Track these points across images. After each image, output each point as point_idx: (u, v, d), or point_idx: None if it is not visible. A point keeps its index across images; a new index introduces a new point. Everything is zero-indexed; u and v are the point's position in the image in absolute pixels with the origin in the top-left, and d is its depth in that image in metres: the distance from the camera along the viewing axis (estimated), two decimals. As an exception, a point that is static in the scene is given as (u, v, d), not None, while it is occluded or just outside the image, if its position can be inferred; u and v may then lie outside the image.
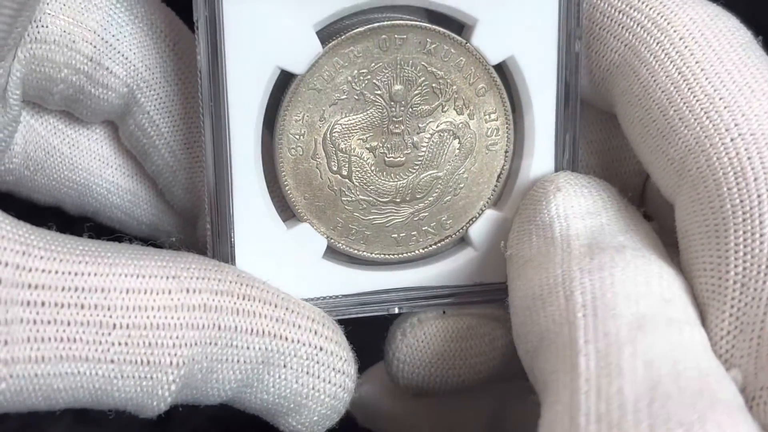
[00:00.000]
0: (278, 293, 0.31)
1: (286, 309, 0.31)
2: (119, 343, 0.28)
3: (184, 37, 0.33)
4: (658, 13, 0.30)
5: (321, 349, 0.31)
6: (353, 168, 0.32)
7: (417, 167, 0.33)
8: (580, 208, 0.30)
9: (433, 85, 0.32)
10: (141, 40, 0.32)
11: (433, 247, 0.34)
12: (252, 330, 0.30)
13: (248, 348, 0.30)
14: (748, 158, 0.28)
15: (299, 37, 0.30)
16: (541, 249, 0.29)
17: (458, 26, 0.32)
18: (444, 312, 0.35)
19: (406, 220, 0.33)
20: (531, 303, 0.28)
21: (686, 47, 0.30)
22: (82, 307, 0.28)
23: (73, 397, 0.28)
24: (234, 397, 0.31)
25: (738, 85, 0.29)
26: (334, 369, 0.31)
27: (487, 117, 0.33)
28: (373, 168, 0.32)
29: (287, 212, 0.33)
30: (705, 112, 0.29)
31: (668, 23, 0.30)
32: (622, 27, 0.31)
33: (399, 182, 0.33)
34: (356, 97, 0.32)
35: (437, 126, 0.32)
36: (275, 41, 0.30)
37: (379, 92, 0.32)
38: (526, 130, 0.33)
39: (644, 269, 0.27)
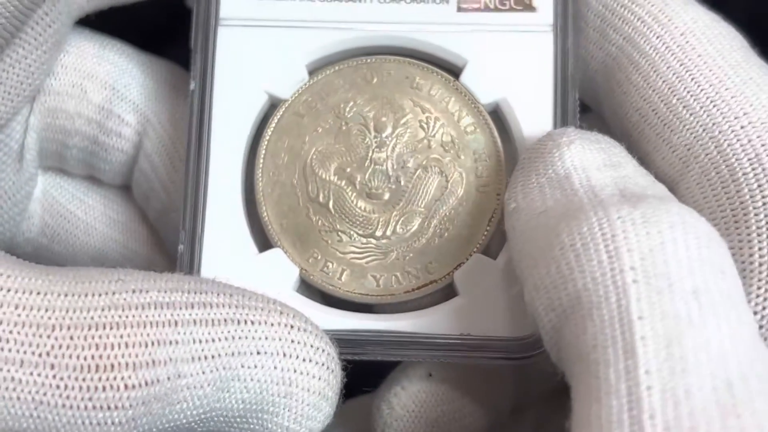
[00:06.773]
0: (229, 284, 0.28)
1: (242, 295, 0.28)
2: (60, 346, 0.25)
3: (185, 83, 0.34)
4: (659, 10, 0.31)
5: (292, 327, 0.27)
6: (332, 195, 0.31)
7: (400, 201, 0.31)
8: (596, 160, 0.28)
9: (419, 119, 0.32)
10: (149, 87, 0.34)
11: (416, 291, 0.31)
12: (213, 321, 0.27)
13: (213, 340, 0.27)
14: (762, 145, 0.28)
15: (287, 64, 0.32)
16: (560, 199, 0.27)
17: (450, 65, 0.32)
18: (431, 375, 0.31)
19: (386, 259, 0.31)
20: (560, 254, 0.25)
21: (687, 42, 0.30)
22: (17, 306, 0.25)
23: (8, 414, 0.25)
24: (211, 408, 0.27)
25: (743, 78, 0.29)
26: (312, 346, 0.28)
27: (477, 156, 0.31)
28: (353, 198, 0.31)
29: (266, 240, 0.32)
30: (711, 101, 0.29)
31: (669, 20, 0.31)
32: (622, 21, 0.31)
33: (380, 215, 0.31)
34: (340, 126, 0.32)
35: (422, 161, 0.31)
36: (264, 67, 0.32)
37: (363, 123, 0.32)
38: None
39: (694, 227, 0.25)
